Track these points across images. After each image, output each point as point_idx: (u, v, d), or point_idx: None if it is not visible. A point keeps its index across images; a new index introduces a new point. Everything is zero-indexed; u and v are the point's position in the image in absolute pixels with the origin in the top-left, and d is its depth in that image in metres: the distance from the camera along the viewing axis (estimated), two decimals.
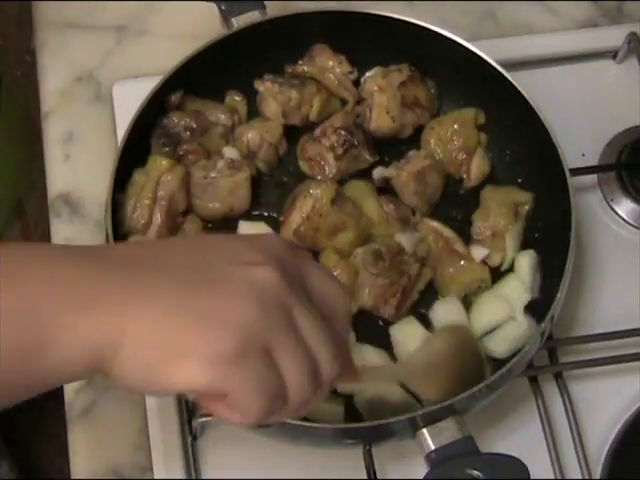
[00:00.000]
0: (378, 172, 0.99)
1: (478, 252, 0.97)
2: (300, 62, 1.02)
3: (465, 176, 1.00)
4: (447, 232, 0.97)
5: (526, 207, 0.98)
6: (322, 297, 0.65)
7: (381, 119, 1.00)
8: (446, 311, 0.94)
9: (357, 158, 0.99)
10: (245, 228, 0.96)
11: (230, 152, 0.98)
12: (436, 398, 0.84)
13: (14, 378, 0.58)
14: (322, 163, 0.99)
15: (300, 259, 0.66)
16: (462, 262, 0.96)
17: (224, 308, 0.60)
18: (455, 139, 1.00)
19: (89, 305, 0.58)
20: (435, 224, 0.97)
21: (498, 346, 0.93)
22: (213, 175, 0.95)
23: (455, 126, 1.00)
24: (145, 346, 0.58)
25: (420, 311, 0.95)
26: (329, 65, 1.01)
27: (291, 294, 0.62)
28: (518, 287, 0.94)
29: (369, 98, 1.01)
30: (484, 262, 0.97)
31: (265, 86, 1.00)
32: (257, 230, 0.96)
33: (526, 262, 0.95)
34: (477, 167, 1.00)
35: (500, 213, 0.97)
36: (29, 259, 0.60)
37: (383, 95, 1.00)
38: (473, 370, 0.89)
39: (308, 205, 0.94)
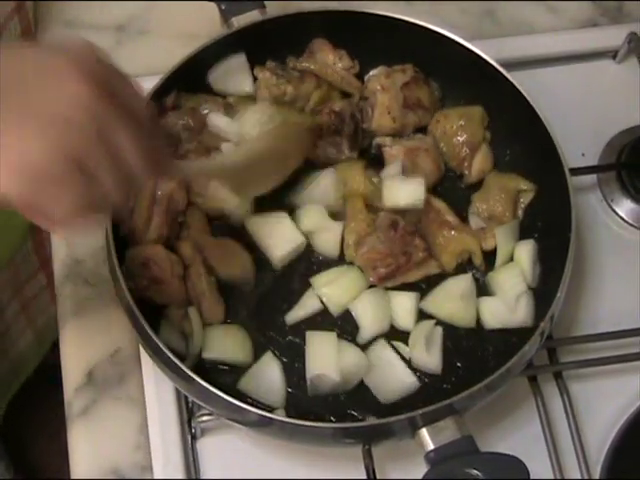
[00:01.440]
0: (376, 139, 1.01)
1: (476, 221, 0.98)
2: (301, 59, 1.02)
3: (466, 172, 1.00)
4: (437, 203, 0.97)
5: (527, 198, 0.98)
6: (131, 104, 0.68)
7: (382, 119, 1.00)
8: None
9: (337, 147, 0.99)
10: None
11: (228, 148, 0.97)
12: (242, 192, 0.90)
13: None
14: None
15: (111, 69, 0.68)
16: (453, 232, 0.96)
17: (29, 124, 0.62)
18: (460, 134, 1.00)
19: None
20: (427, 195, 0.97)
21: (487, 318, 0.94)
22: None
23: (461, 122, 1.01)
24: None
25: None
26: (330, 60, 1.01)
27: (104, 105, 0.64)
28: (516, 276, 0.94)
29: (371, 97, 1.01)
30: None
31: (264, 75, 1.00)
32: None
33: (526, 252, 0.95)
34: (479, 164, 1.00)
35: (500, 199, 0.98)
36: None
37: (385, 95, 1.00)
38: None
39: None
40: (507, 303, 0.93)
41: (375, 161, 1.01)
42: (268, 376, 0.90)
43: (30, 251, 1.20)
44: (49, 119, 0.63)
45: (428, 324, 0.92)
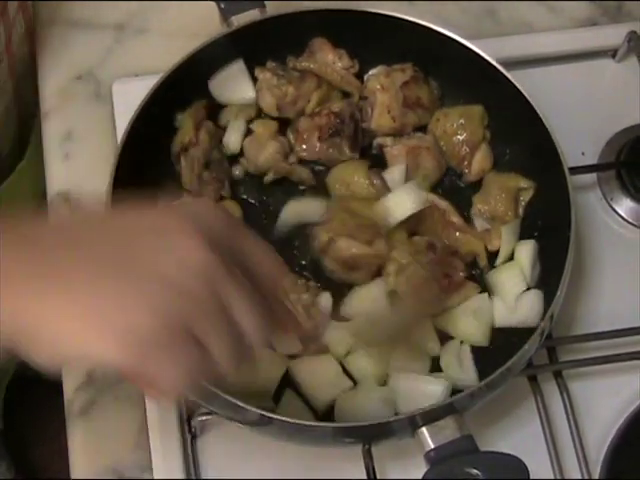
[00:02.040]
0: (377, 139, 1.01)
1: (479, 223, 0.98)
2: (301, 58, 1.02)
3: (466, 171, 1.00)
4: (443, 204, 0.97)
5: (526, 196, 0.98)
6: (254, 266, 0.65)
7: (382, 118, 1.00)
8: None
9: (337, 148, 0.99)
10: None
11: (325, 299, 0.93)
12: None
13: None
14: (305, 138, 1.00)
15: (233, 228, 0.65)
16: (457, 234, 0.96)
17: (139, 291, 0.59)
18: (460, 133, 1.00)
19: (7, 290, 0.58)
20: (431, 195, 0.98)
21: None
22: (291, 298, 0.90)
23: (461, 120, 1.01)
24: (56, 326, 0.58)
25: None
26: (329, 59, 1.01)
27: (221, 270, 0.61)
28: (516, 276, 0.94)
29: (371, 96, 1.01)
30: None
31: (264, 76, 1.00)
32: None
33: (526, 252, 0.95)
34: (479, 163, 1.00)
35: (501, 199, 0.97)
36: None
37: (385, 94, 1.00)
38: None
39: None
40: (507, 302, 0.93)
41: (376, 161, 1.01)
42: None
43: None
44: (161, 285, 0.59)
45: (454, 345, 0.93)
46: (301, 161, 1.01)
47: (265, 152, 0.98)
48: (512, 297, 0.93)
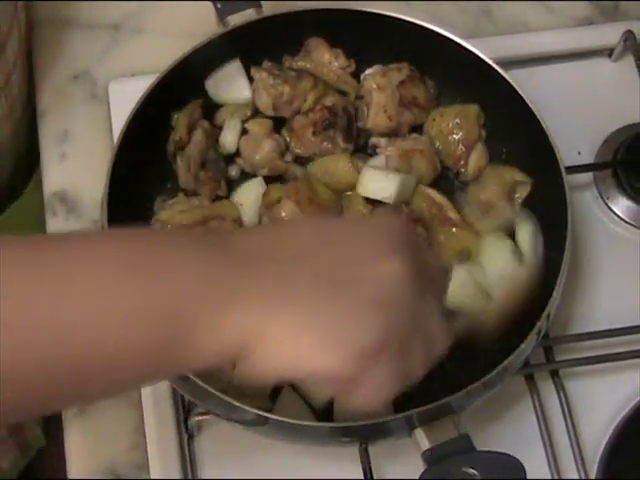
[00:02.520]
0: (371, 140, 1.01)
1: (472, 212, 0.98)
2: (297, 58, 1.02)
3: (463, 170, 1.00)
4: (440, 198, 0.97)
5: (523, 192, 0.98)
6: (432, 275, 0.69)
7: (378, 118, 1.00)
8: None
9: (331, 141, 0.99)
10: None
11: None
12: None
13: (152, 371, 0.61)
14: (300, 135, 1.00)
15: (415, 243, 0.69)
16: (454, 229, 0.96)
17: (362, 308, 0.62)
18: (455, 132, 1.00)
19: (231, 306, 0.59)
20: (429, 191, 0.98)
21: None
22: None
23: (457, 120, 1.01)
24: (288, 339, 0.60)
25: None
26: (325, 59, 1.01)
27: (417, 283, 0.64)
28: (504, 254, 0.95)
29: (367, 96, 1.01)
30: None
31: (260, 76, 1.00)
32: None
33: (526, 231, 0.96)
34: (475, 162, 1.00)
35: (495, 189, 0.98)
36: (166, 254, 0.60)
37: (381, 94, 1.00)
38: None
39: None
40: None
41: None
42: None
43: None
44: (376, 297, 0.63)
45: None
46: (297, 159, 1.01)
47: (261, 150, 0.98)
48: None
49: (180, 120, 0.98)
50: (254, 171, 1.00)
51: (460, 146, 1.00)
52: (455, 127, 1.00)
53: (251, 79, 1.01)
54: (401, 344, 0.64)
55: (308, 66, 1.01)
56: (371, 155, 1.01)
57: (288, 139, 1.01)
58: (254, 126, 1.00)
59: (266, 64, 1.01)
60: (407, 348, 0.64)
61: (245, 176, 1.01)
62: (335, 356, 0.61)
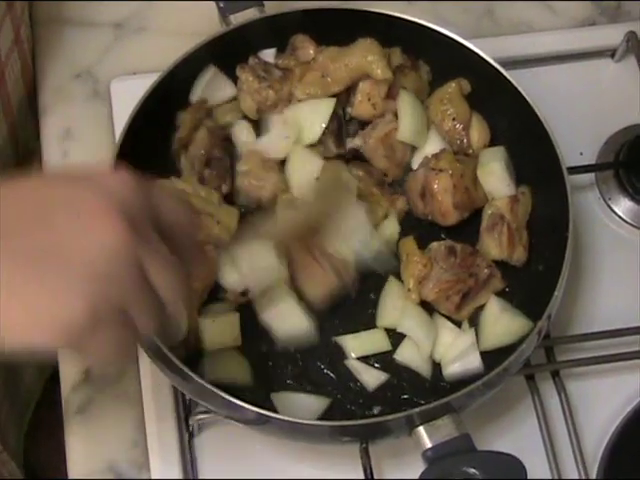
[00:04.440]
0: (349, 145, 1.00)
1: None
2: (283, 55, 1.01)
3: (470, 151, 1.00)
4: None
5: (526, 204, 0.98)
6: (172, 227, 0.67)
7: (362, 107, 0.99)
8: None
9: (323, 145, 0.98)
10: None
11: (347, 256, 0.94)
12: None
13: None
14: None
15: (146, 195, 0.66)
16: None
17: (70, 279, 0.61)
18: (448, 115, 1.00)
19: None
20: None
21: None
22: (316, 254, 0.92)
23: (442, 106, 1.00)
24: (2, 319, 0.60)
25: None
26: (310, 56, 1.00)
27: (139, 244, 0.63)
28: None
29: (356, 84, 1.00)
30: None
31: (245, 76, 0.99)
32: None
33: (497, 159, 0.97)
34: (477, 134, 1.00)
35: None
36: None
37: (367, 82, 0.99)
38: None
39: (446, 179, 0.95)
40: None
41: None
42: None
43: None
44: (85, 272, 0.61)
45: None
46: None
47: (265, 188, 0.97)
48: None
49: (184, 119, 0.98)
50: (260, 207, 0.98)
51: (458, 125, 1.00)
52: (445, 112, 1.00)
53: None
54: (119, 312, 0.63)
55: (292, 64, 1.00)
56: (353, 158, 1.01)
57: None
58: (246, 165, 0.98)
59: (252, 61, 1.00)
60: (128, 309, 0.64)
61: None
62: (42, 333, 0.61)
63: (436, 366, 0.93)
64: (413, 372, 0.92)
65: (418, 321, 0.93)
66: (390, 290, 0.95)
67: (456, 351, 0.92)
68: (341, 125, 0.99)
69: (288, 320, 0.91)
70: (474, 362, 0.91)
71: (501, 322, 0.92)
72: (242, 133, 1.00)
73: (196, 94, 1.00)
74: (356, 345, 0.93)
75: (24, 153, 1.10)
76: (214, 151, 0.98)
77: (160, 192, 0.68)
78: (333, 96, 0.99)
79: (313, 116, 0.98)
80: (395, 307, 0.94)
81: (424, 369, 0.92)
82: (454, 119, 1.00)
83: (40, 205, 0.63)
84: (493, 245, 0.95)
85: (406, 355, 0.92)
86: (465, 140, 1.00)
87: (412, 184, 0.98)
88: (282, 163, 0.98)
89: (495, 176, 0.97)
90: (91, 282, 0.61)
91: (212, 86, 1.01)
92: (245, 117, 1.01)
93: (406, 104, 0.98)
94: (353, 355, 0.93)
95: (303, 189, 0.96)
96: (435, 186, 0.95)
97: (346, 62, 0.98)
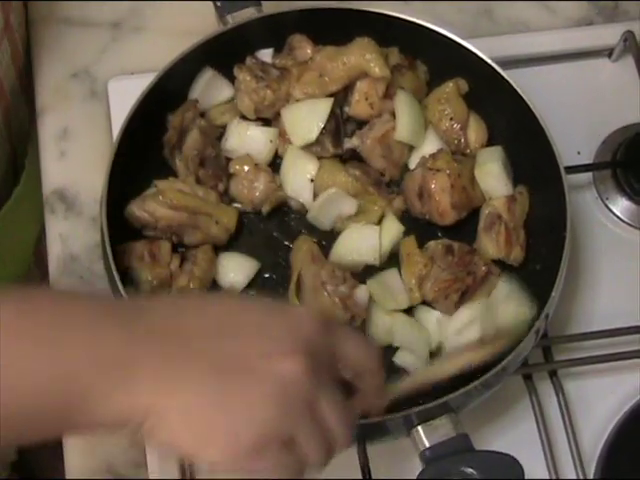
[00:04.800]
0: (346, 145, 1.00)
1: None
2: (280, 55, 1.01)
3: (468, 151, 1.00)
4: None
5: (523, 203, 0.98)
6: (354, 362, 0.71)
7: (359, 106, 0.99)
8: None
9: (320, 145, 0.98)
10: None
11: (361, 292, 0.93)
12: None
13: (48, 431, 0.65)
14: (288, 139, 0.99)
15: (329, 333, 0.69)
16: None
17: (248, 404, 0.64)
18: (445, 115, 1.00)
19: (123, 381, 0.62)
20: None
21: None
22: (328, 287, 0.91)
23: (440, 106, 1.01)
24: (171, 424, 0.63)
25: None
26: (308, 56, 1.00)
27: (315, 385, 0.66)
28: None
29: (353, 83, 1.00)
30: None
31: (243, 76, 0.99)
32: None
33: (494, 159, 0.97)
34: (474, 133, 1.00)
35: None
36: (69, 317, 0.63)
37: (364, 82, 0.99)
38: None
39: (444, 179, 0.95)
40: None
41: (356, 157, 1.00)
42: None
43: (32, 263, 1.19)
44: (262, 396, 0.64)
45: None
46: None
47: (257, 189, 0.97)
48: None
49: (172, 120, 0.97)
50: (255, 209, 0.98)
51: (456, 125, 1.00)
52: (442, 112, 1.00)
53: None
54: (289, 440, 0.65)
55: (289, 64, 1.00)
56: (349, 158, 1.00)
57: (277, 142, 0.99)
58: (238, 166, 0.98)
59: (250, 61, 1.01)
60: (298, 444, 0.66)
61: None
62: (215, 449, 0.63)
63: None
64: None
65: (410, 331, 0.93)
66: (375, 309, 0.94)
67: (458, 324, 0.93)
68: (339, 125, 0.99)
69: None
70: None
71: (507, 306, 0.93)
72: (231, 136, 1.00)
73: (194, 94, 1.00)
74: None
75: (18, 135, 1.09)
76: (207, 151, 0.98)
77: (346, 335, 0.71)
78: (331, 95, 0.99)
79: (310, 116, 0.98)
80: (384, 323, 0.93)
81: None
82: (451, 119, 1.00)
83: (235, 322, 0.67)
84: (490, 245, 0.95)
85: (406, 359, 0.92)
86: (463, 140, 1.00)
87: (409, 184, 0.98)
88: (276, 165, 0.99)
89: (492, 176, 0.97)
90: (267, 410, 0.64)
91: (210, 86, 1.01)
92: (244, 117, 1.01)
93: (403, 104, 0.98)
94: None
95: (297, 190, 0.97)
96: (432, 186, 0.95)
97: (344, 61, 0.98)
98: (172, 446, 0.65)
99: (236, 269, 0.95)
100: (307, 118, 0.98)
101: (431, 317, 0.94)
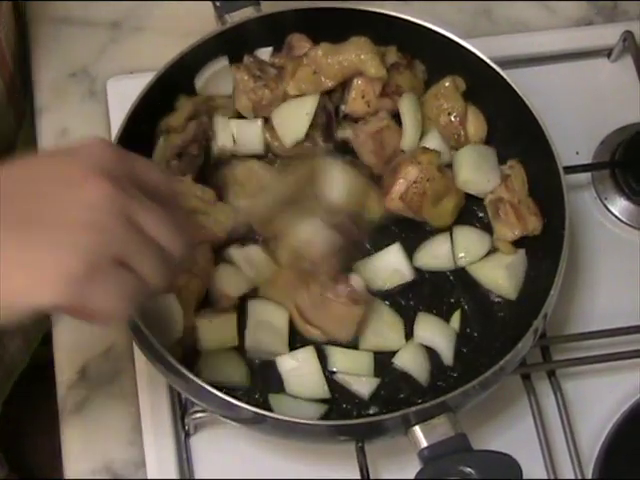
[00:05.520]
0: (339, 135, 1.00)
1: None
2: (279, 54, 1.01)
3: (464, 138, 1.00)
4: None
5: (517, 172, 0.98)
6: (151, 185, 0.70)
7: (355, 103, 0.99)
8: None
9: (311, 140, 0.98)
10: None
11: (356, 281, 0.92)
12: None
13: None
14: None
15: (125, 159, 0.69)
16: None
17: (61, 238, 0.64)
18: (444, 110, 1.00)
19: None
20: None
21: None
22: (329, 296, 0.90)
23: (437, 102, 1.01)
24: (4, 282, 0.63)
25: None
26: (304, 52, 1.00)
27: (126, 198, 0.66)
28: None
29: (349, 81, 1.00)
30: None
31: (241, 77, 0.99)
32: None
33: (464, 165, 0.98)
34: (473, 127, 1.00)
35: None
36: None
37: (361, 79, 0.99)
38: None
39: (415, 171, 0.94)
40: None
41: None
42: None
43: None
44: (76, 227, 0.65)
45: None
46: (277, 156, 1.00)
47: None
48: None
49: (184, 106, 0.97)
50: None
51: (455, 119, 1.00)
52: (440, 107, 1.00)
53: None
54: (118, 260, 0.65)
55: (288, 64, 1.00)
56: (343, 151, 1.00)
57: (269, 138, 0.99)
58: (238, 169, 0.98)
59: (247, 59, 1.00)
60: (129, 262, 0.66)
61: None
62: (45, 290, 0.64)
63: (433, 372, 0.92)
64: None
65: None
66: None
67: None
68: (330, 120, 0.99)
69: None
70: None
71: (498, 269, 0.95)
72: (220, 133, 1.00)
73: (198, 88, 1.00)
74: (339, 359, 0.92)
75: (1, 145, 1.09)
76: (191, 147, 0.98)
77: (141, 160, 0.71)
78: (326, 93, 0.99)
79: (297, 114, 0.98)
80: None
81: (422, 376, 0.92)
82: (449, 113, 1.00)
83: (30, 180, 0.67)
84: (505, 228, 0.96)
85: (405, 361, 0.92)
86: (462, 133, 1.00)
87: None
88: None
89: (471, 182, 0.98)
90: (82, 235, 0.64)
91: (210, 84, 1.01)
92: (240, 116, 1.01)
93: (410, 112, 0.98)
94: (334, 369, 0.91)
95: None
96: (401, 168, 0.95)
97: (339, 60, 0.98)
98: (4, 305, 0.64)
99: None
100: (294, 117, 0.98)
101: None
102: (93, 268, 0.64)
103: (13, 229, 0.64)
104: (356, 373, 0.91)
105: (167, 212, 0.69)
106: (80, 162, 0.67)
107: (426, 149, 0.96)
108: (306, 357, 0.90)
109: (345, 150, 1.00)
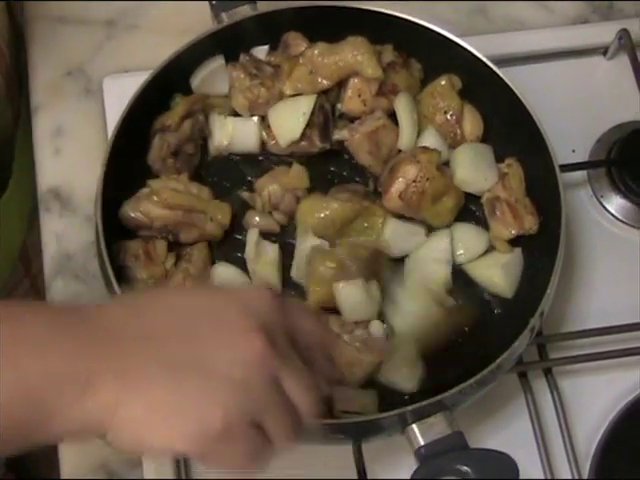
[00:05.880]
0: (334, 136, 1.00)
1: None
2: (275, 52, 1.01)
3: (460, 137, 1.01)
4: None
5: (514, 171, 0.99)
6: (308, 336, 0.71)
7: (352, 102, 0.99)
8: None
9: (307, 139, 0.98)
10: None
11: (376, 327, 0.91)
12: None
13: (15, 447, 0.65)
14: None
15: (282, 310, 0.69)
16: None
17: (209, 391, 0.64)
18: (440, 109, 1.00)
19: (85, 390, 0.63)
20: None
21: None
22: (345, 338, 0.90)
23: (433, 100, 1.01)
24: (137, 424, 0.64)
25: None
26: (300, 51, 1.00)
27: (276, 358, 0.66)
28: None
29: (346, 80, 1.00)
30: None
31: (237, 74, 0.99)
32: None
33: (461, 166, 0.98)
34: (469, 126, 1.00)
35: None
36: (22, 329, 0.63)
37: (357, 78, 0.99)
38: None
39: (414, 170, 0.94)
40: None
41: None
42: None
43: (17, 260, 1.19)
44: (226, 383, 0.65)
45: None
46: (272, 155, 1.00)
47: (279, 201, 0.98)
48: None
49: (179, 105, 0.97)
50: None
51: (451, 117, 1.00)
52: (436, 106, 1.00)
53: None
54: (255, 423, 0.66)
55: (284, 63, 1.00)
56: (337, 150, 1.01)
57: (265, 136, 0.99)
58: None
59: (243, 58, 1.00)
60: (264, 425, 0.66)
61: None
62: (179, 438, 0.64)
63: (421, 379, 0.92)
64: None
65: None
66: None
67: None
68: (327, 120, 0.99)
69: None
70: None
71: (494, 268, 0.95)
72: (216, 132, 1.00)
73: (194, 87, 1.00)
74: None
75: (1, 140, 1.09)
76: (187, 146, 0.98)
77: (297, 309, 0.72)
78: (323, 92, 0.99)
79: (293, 114, 0.98)
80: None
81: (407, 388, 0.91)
82: (445, 112, 1.00)
83: (185, 316, 0.67)
84: (502, 227, 0.96)
85: (389, 376, 0.91)
86: (458, 132, 1.00)
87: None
88: None
89: (468, 180, 0.98)
90: (229, 393, 0.65)
91: (206, 83, 1.01)
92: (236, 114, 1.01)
93: (406, 112, 0.98)
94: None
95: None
96: (401, 167, 0.95)
97: (336, 60, 0.98)
98: (141, 444, 0.65)
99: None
100: (290, 116, 0.98)
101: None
102: (230, 429, 0.64)
103: (167, 368, 0.64)
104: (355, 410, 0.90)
105: (311, 365, 0.69)
106: (239, 308, 0.67)
107: (426, 148, 0.96)
108: None
109: (340, 151, 1.00)
